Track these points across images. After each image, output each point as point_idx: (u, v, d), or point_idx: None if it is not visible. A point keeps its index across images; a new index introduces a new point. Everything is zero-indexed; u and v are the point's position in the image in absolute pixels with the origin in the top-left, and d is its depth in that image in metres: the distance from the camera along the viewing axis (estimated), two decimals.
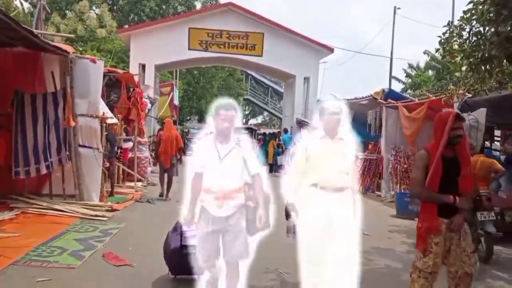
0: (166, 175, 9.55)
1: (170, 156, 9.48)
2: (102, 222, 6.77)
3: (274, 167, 17.56)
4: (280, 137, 19.06)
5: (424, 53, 20.88)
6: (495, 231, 5.52)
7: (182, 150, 9.83)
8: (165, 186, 9.50)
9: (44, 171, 7.62)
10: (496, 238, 5.55)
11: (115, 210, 7.64)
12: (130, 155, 11.33)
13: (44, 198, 7.74)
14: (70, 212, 7.06)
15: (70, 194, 7.80)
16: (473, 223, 5.80)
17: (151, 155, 13.70)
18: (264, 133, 20.23)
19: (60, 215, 6.91)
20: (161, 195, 9.53)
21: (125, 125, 11.18)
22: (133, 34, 19.15)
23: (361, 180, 12.20)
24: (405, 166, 10.94)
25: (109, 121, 8.94)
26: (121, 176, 10.99)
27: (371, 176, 12.29)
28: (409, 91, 21.87)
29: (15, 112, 7.60)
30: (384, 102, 11.52)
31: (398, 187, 10.71)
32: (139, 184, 11.36)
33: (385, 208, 9.87)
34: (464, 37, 5.72)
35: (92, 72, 7.87)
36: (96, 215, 7.03)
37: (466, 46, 5.64)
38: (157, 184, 10.37)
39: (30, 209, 7.09)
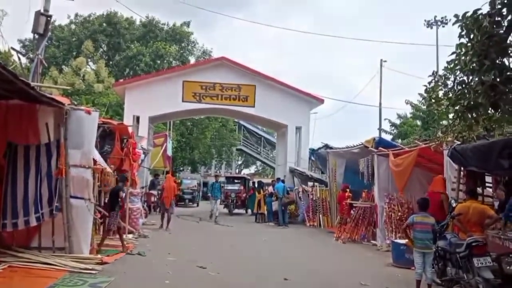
0: (166, 214, 13.57)
1: (170, 199, 13.89)
2: (92, 275, 6.54)
3: (267, 216, 17.32)
4: (271, 186, 18.84)
5: (406, 103, 21.44)
6: (493, 277, 5.39)
7: (177, 195, 15.01)
8: (165, 221, 13.45)
9: (34, 223, 7.44)
10: (494, 285, 5.40)
11: (105, 263, 7.40)
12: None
13: (33, 251, 7.50)
14: (59, 266, 6.82)
15: (59, 246, 7.57)
16: (471, 269, 5.68)
17: (143, 206, 13.78)
18: (260, 182, 20.12)
19: (48, 269, 6.67)
20: (161, 226, 13.39)
21: (117, 176, 11.11)
22: (128, 87, 19.47)
23: (356, 229, 12.15)
24: (399, 214, 10.82)
25: (107, 169, 8.86)
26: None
27: (366, 225, 12.13)
28: (397, 140, 22.17)
29: (7, 164, 7.54)
30: (375, 150, 11.63)
31: (394, 235, 10.54)
32: (130, 236, 11.09)
33: (381, 257, 9.67)
34: (449, 86, 5.88)
35: (87, 123, 7.90)
36: (85, 268, 6.79)
37: (451, 94, 5.79)
38: (149, 236, 11.56)
39: (18, 263, 6.84)
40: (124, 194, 10.16)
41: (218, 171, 59.11)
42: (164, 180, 15.75)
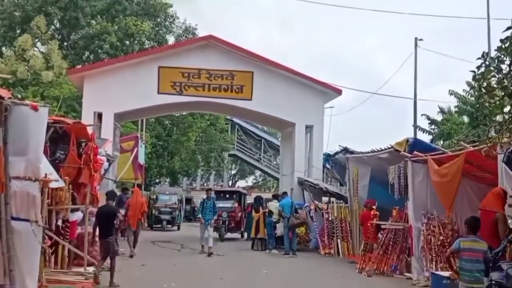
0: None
1: (137, 219, 14.69)
2: None
3: (269, 242, 17.34)
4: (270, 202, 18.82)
5: (450, 94, 21.37)
6: None
7: (146, 213, 15.71)
8: (132, 244, 14.31)
9: None
10: None
11: None
12: (79, 230, 11.14)
13: None
14: None
15: None
16: None
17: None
18: (259, 197, 19.98)
19: None
20: (130, 256, 13.94)
21: (72, 191, 11.06)
22: (88, 76, 19.56)
23: (385, 258, 12.16)
24: (441, 237, 10.82)
25: (53, 184, 8.84)
26: (66, 259, 10.71)
27: (397, 253, 12.14)
28: (438, 142, 22.21)
29: None
30: (409, 155, 11.61)
31: (434, 265, 10.51)
32: (91, 269, 11.02)
33: None
34: (504, 71, 5.86)
35: (33, 122, 7.84)
36: None
37: (507, 82, 5.76)
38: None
39: None
40: (120, 216, 10.56)
41: (205, 184, 59.09)
42: (131, 196, 16.07)
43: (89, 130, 11.61)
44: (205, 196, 17.10)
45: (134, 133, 24.23)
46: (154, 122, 31.63)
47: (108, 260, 12.06)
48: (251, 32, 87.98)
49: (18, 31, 30.56)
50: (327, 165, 19.89)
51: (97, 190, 12.31)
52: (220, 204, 22.89)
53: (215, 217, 16.84)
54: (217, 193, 26.09)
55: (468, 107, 21.90)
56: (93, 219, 12.36)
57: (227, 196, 24.86)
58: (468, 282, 6.52)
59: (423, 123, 23.70)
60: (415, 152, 11.59)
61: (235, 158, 48.49)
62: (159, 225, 26.45)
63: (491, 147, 7.93)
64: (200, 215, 16.64)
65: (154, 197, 28.14)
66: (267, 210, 17.76)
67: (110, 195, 10.57)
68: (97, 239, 10.61)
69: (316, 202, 17.83)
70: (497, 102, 6.15)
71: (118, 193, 20.29)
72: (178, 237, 21.03)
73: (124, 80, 19.24)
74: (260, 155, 46.15)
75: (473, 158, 9.72)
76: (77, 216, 11.03)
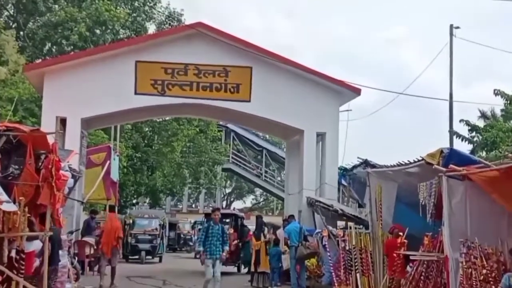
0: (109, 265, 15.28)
1: (111, 246, 15.41)
2: None
3: (272, 276, 17.36)
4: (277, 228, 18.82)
5: (496, 94, 21.39)
6: None
7: (121, 240, 16.85)
8: (107, 277, 15.37)
9: None
10: None
11: None
12: (37, 263, 11.05)
13: None
14: None
15: None
16: None
17: (72, 263, 13.86)
18: (260, 219, 19.87)
19: None
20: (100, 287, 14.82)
21: (29, 215, 10.81)
22: (49, 72, 19.48)
23: None
24: (484, 271, 10.74)
25: (3, 206, 8.82)
26: None
27: None
28: (480, 153, 22.17)
29: None
30: (444, 169, 11.42)
31: None
32: None
33: None
34: None
35: None
36: None
37: None
38: None
39: None
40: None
41: (195, 205, 58.80)
42: (105, 220, 16.58)
43: (50, 139, 11.50)
44: (210, 219, 15.28)
45: (105, 143, 24.19)
46: (131, 130, 31.73)
47: None
48: (250, 19, 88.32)
49: None
50: (343, 182, 19.77)
51: (60, 213, 12.30)
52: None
53: (227, 248, 14.73)
54: (208, 217, 25.98)
55: None
56: None
57: (222, 220, 24.72)
58: None
59: (462, 129, 23.73)
60: (452, 166, 11.34)
61: (231, 173, 48.42)
62: (136, 257, 26.37)
63: None
64: (200, 248, 14.66)
65: (130, 221, 28.00)
66: (270, 238, 17.76)
67: None
68: None
69: (330, 228, 17.59)
70: None
71: (86, 217, 20.47)
72: (160, 272, 20.92)
73: (93, 78, 19.18)
74: (260, 169, 46.13)
75: None
76: (35, 245, 10.88)
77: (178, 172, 37.12)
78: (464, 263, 10.89)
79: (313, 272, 17.65)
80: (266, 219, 25.29)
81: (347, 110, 22.39)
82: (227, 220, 24.42)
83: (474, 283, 10.69)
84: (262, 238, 18.32)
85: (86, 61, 19.84)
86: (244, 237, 22.21)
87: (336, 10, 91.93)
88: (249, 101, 19.87)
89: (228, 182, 58.35)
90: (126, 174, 30.39)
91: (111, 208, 20.57)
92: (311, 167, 19.95)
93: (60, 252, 12.37)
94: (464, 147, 22.77)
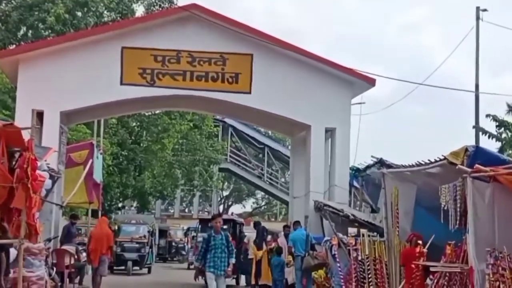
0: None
1: (100, 253, 16.03)
2: None
3: None
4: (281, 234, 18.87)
5: None
6: None
7: (112, 247, 17.43)
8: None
9: None
10: None
11: None
12: (11, 274, 11.23)
13: None
14: None
15: None
16: None
17: (50, 274, 13.98)
18: (258, 225, 19.66)
19: None
20: None
21: (2, 220, 11.06)
22: (25, 60, 19.39)
23: None
24: None
25: None
26: None
27: None
28: (510, 151, 22.00)
29: None
30: (469, 169, 11.30)
31: None
32: None
33: None
34: None
35: None
36: None
37: None
38: None
39: None
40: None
41: (188, 209, 58.77)
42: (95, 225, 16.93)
43: (25, 135, 11.49)
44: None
45: (88, 140, 24.27)
46: (116, 124, 31.76)
47: None
48: (251, 1, 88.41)
49: None
50: (355, 184, 19.71)
51: (37, 218, 12.22)
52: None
53: (233, 261, 14.15)
54: (202, 223, 26.08)
55: None
56: (31, 258, 12.47)
57: None
58: None
59: (489, 125, 23.59)
60: (477, 166, 11.20)
61: (228, 173, 48.53)
62: (123, 267, 26.48)
63: None
64: (199, 261, 14.17)
65: (116, 227, 27.81)
66: (272, 246, 17.70)
67: None
68: None
69: (340, 235, 17.48)
70: None
71: (65, 222, 20.27)
72: (148, 284, 20.92)
73: (74, 66, 19.08)
74: (262, 169, 46.25)
75: None
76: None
77: (169, 173, 37.28)
78: (491, 275, 10.77)
79: (321, 285, 17.54)
80: (268, 225, 25.32)
81: (360, 103, 22.30)
82: (225, 227, 24.44)
83: None
84: (265, 246, 18.27)
85: (66, 47, 19.72)
86: (240, 245, 22.34)
87: None
88: (249, 92, 19.81)
89: (226, 183, 58.51)
90: (111, 175, 30.49)
91: (94, 213, 20.67)
92: (319, 167, 19.88)
93: (35, 261, 12.44)
94: (491, 145, 22.72)
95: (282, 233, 19.23)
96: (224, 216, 30.48)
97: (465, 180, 11.22)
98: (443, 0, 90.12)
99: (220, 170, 45.27)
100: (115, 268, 26.22)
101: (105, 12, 32.40)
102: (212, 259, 13.45)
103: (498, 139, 22.96)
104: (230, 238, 18.53)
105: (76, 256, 17.58)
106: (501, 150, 21.40)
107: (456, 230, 11.88)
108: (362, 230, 17.29)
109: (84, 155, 20.63)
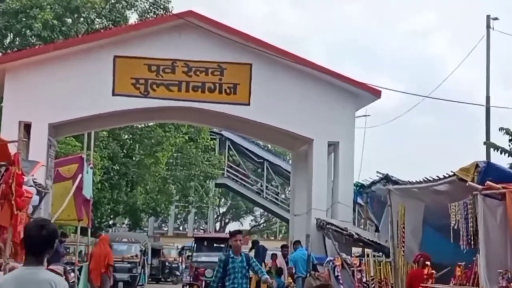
0: None
1: (100, 272, 16.67)
2: None
3: None
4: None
5: None
6: None
7: (111, 266, 17.84)
8: None
9: None
10: None
11: None
12: None
13: None
14: None
15: None
16: None
17: None
18: (256, 244, 19.51)
19: None
20: None
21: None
22: (11, 70, 19.42)
23: None
24: None
25: None
26: None
27: None
28: None
29: None
30: (480, 186, 11.27)
31: None
32: None
33: None
34: None
35: None
36: None
37: None
38: None
39: None
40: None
41: (183, 227, 58.54)
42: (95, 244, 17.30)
43: (12, 148, 11.53)
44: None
45: (77, 153, 24.05)
46: (107, 137, 31.58)
47: None
48: (250, 8, 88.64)
49: None
50: (360, 201, 19.69)
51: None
52: (202, 258, 22.30)
53: (266, 276, 12.86)
54: (198, 242, 25.93)
55: None
56: None
57: (214, 245, 24.64)
58: None
59: (501, 139, 23.52)
60: (489, 183, 11.18)
61: (225, 189, 48.48)
62: None
63: None
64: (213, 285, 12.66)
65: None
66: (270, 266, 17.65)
67: None
68: None
69: (344, 256, 17.48)
70: None
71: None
72: None
73: (64, 76, 19.09)
74: (261, 185, 46.20)
75: None
76: None
77: (163, 188, 37.19)
78: None
79: None
80: (267, 244, 25.20)
81: (365, 116, 22.48)
82: (221, 246, 24.39)
83: None
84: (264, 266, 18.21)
85: (55, 55, 19.80)
86: None
87: None
88: (248, 104, 19.84)
89: (223, 200, 58.43)
90: (102, 190, 30.29)
91: (83, 230, 20.60)
92: (321, 183, 19.87)
93: None
94: (503, 161, 22.58)
95: (281, 253, 19.21)
96: (221, 235, 30.63)
97: (476, 197, 11.21)
98: (452, 7, 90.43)
99: (217, 185, 45.27)
100: None
101: (97, 19, 32.33)
102: (231, 286, 12.05)
103: (510, 154, 22.96)
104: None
105: (64, 276, 17.55)
106: None
107: (467, 250, 11.86)
108: (367, 250, 17.47)
109: (73, 170, 20.26)
